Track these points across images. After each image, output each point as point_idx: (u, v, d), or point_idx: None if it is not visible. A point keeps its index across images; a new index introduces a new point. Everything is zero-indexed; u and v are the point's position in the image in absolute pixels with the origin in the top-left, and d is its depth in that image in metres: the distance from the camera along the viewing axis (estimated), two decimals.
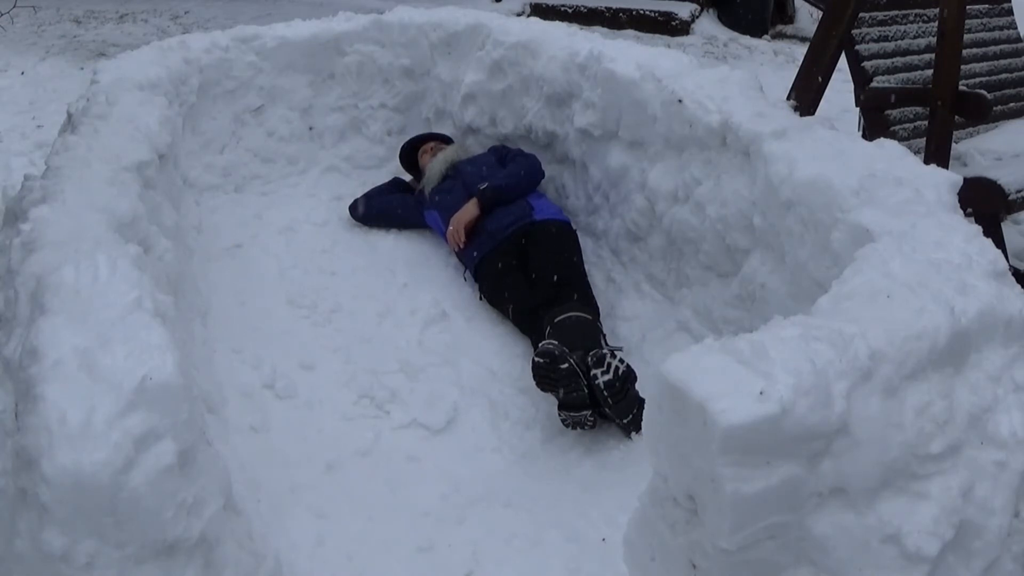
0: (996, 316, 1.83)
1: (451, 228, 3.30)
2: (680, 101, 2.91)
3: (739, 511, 1.48)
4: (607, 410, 2.53)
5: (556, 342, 2.57)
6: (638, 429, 2.48)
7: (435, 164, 3.61)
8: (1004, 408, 1.77)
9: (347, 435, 2.57)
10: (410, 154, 3.83)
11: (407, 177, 3.89)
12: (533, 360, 2.56)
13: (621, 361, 2.56)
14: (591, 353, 2.55)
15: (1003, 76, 3.96)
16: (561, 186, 3.65)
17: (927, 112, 3.38)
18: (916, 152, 3.08)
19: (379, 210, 3.66)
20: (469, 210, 3.29)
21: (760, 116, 2.68)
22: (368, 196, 3.72)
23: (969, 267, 1.93)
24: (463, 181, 3.45)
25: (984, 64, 3.92)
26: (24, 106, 5.53)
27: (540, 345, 2.59)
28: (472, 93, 3.88)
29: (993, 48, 4.01)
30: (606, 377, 2.50)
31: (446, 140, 3.88)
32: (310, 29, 3.97)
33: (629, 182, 3.23)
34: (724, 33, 8.11)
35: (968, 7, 3.39)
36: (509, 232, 3.21)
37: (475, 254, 3.23)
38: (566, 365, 2.51)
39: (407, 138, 3.93)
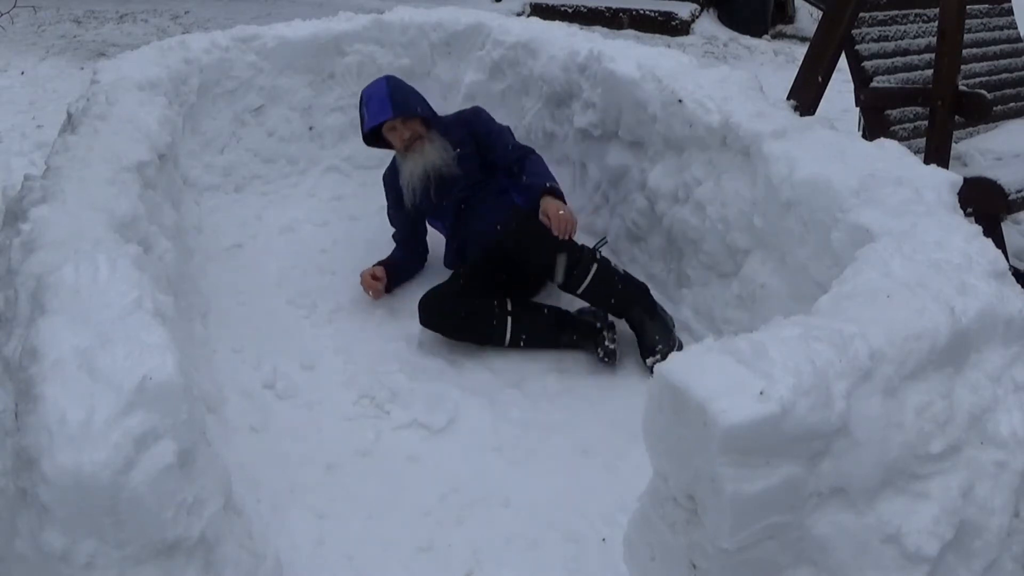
0: (996, 316, 1.84)
1: (567, 219, 2.84)
2: (680, 101, 2.91)
3: (739, 511, 1.48)
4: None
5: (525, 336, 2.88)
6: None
7: (414, 167, 3.19)
8: (1004, 408, 1.77)
9: (347, 435, 2.56)
10: (374, 138, 3.33)
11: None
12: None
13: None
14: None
15: (1003, 76, 3.95)
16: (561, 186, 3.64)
17: (927, 112, 3.38)
18: (916, 152, 3.08)
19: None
20: (562, 204, 2.92)
21: (760, 116, 2.68)
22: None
23: (969, 267, 1.93)
24: (454, 186, 3.18)
25: (984, 64, 3.92)
26: (24, 106, 5.54)
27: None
28: (472, 93, 3.88)
29: (993, 48, 4.00)
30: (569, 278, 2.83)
31: (409, 115, 3.18)
32: (310, 29, 3.98)
33: (629, 182, 3.23)
34: (724, 33, 8.11)
35: (968, 7, 3.38)
36: (495, 235, 2.96)
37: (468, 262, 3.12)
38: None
39: None
